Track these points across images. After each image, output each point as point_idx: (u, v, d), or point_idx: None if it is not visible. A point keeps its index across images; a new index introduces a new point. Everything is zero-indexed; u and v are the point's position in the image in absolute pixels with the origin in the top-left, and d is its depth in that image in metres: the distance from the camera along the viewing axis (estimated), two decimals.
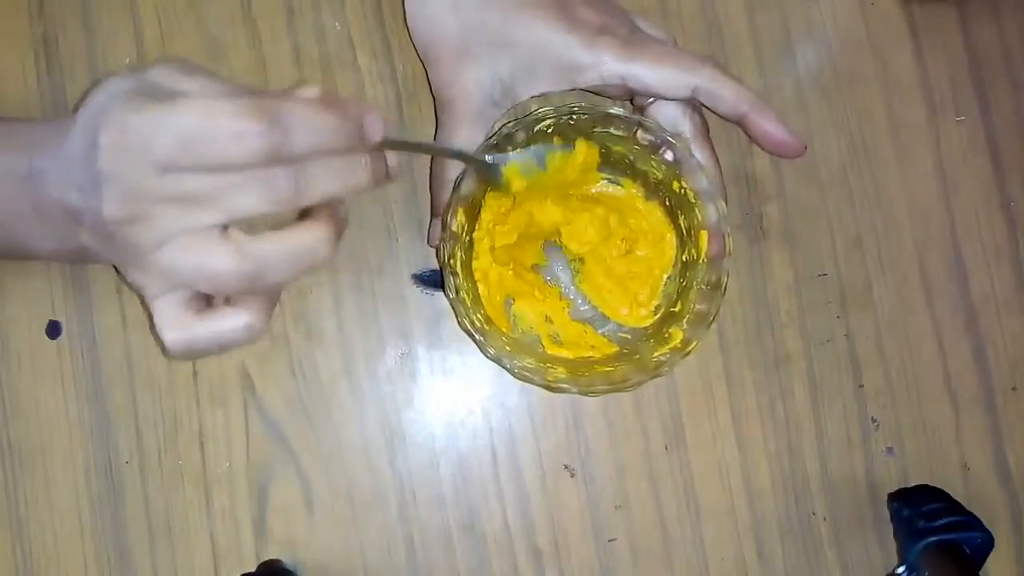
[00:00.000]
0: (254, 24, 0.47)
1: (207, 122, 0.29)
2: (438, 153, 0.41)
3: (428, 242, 0.45)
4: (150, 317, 0.33)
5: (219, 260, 0.31)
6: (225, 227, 0.31)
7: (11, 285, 0.45)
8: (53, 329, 0.45)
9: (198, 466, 0.45)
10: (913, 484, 0.47)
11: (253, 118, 0.29)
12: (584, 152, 0.43)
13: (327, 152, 0.31)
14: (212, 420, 0.45)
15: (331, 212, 0.33)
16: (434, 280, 0.46)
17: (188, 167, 0.30)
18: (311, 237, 0.32)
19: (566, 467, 0.47)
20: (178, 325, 0.32)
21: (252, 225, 0.31)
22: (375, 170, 0.33)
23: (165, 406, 0.45)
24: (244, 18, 0.47)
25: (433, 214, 0.44)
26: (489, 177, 0.40)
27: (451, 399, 0.46)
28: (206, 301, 0.33)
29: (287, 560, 0.45)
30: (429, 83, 0.43)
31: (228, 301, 0.33)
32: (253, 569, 0.45)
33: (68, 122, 0.33)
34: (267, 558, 0.45)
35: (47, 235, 0.35)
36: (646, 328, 0.45)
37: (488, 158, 0.40)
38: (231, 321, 0.33)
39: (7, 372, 0.45)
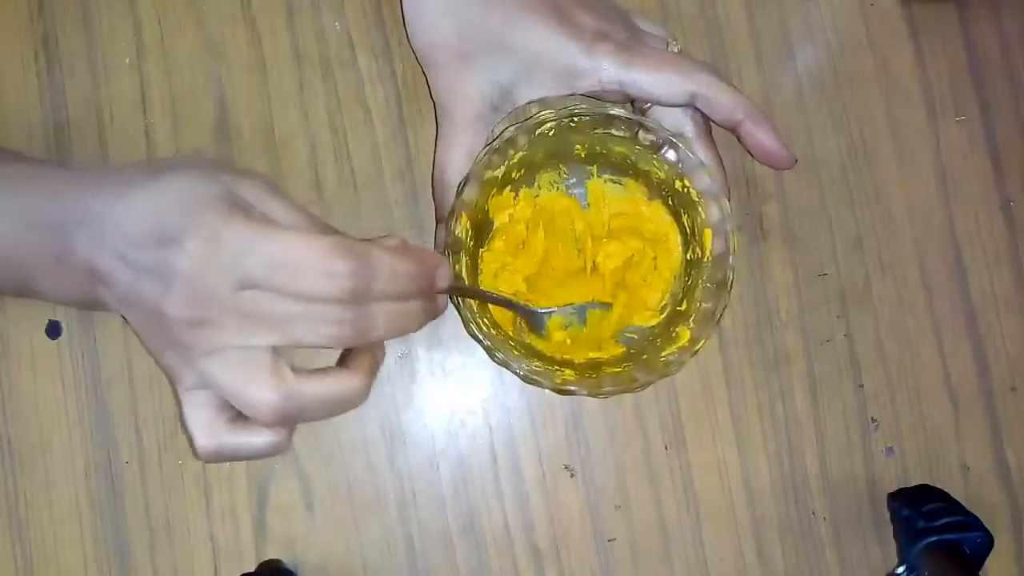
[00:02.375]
0: (254, 24, 0.47)
1: (302, 253, 0.31)
2: (494, 302, 0.43)
3: (435, 248, 0.45)
4: (179, 406, 0.34)
5: (263, 394, 0.32)
6: (276, 351, 0.32)
7: None
8: (53, 329, 0.45)
9: (198, 466, 0.45)
10: (913, 484, 0.47)
11: (344, 259, 0.31)
12: (620, 309, 0.45)
13: (399, 298, 0.33)
14: None
15: (371, 355, 0.35)
16: None
17: (270, 288, 0.31)
18: (352, 387, 0.34)
19: (566, 467, 0.47)
20: (209, 432, 0.33)
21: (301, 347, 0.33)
22: (430, 312, 0.35)
23: (165, 406, 0.45)
24: (244, 17, 0.47)
25: (437, 220, 0.44)
26: (533, 324, 0.44)
27: (451, 399, 0.46)
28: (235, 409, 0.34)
29: (287, 560, 0.45)
30: (428, 87, 0.43)
31: None
32: (253, 569, 0.45)
33: (110, 179, 0.34)
34: (267, 558, 0.45)
35: (64, 285, 0.35)
36: (653, 328, 0.45)
37: (539, 311, 0.44)
38: (260, 440, 0.34)
39: (7, 372, 0.45)
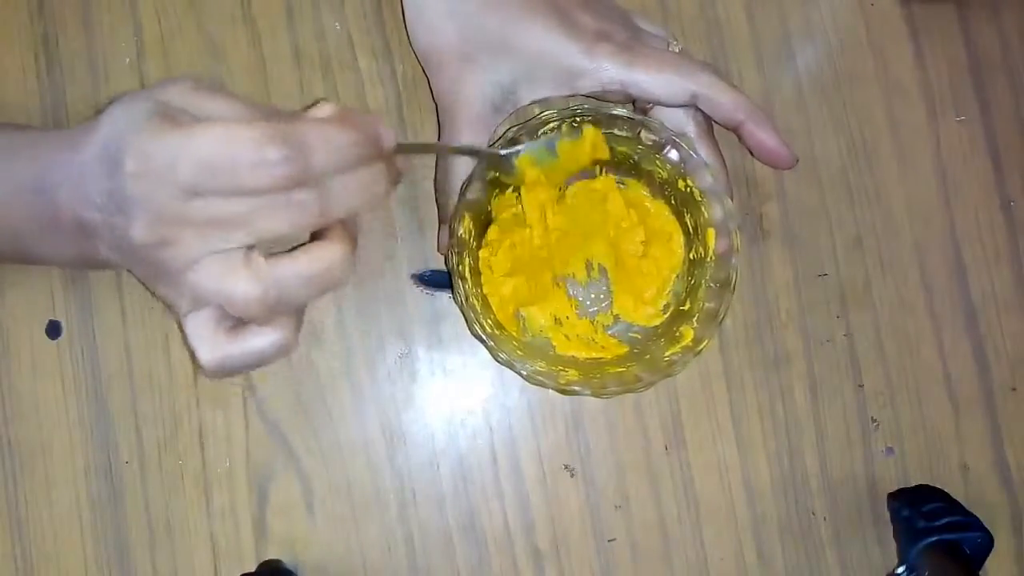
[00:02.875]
0: (254, 24, 0.46)
1: (228, 149, 0.30)
2: (450, 152, 0.41)
3: (438, 249, 0.45)
4: (182, 332, 0.33)
5: (242, 288, 0.31)
6: (250, 248, 0.32)
7: (11, 285, 0.45)
8: (53, 329, 0.45)
9: (198, 466, 0.45)
10: (913, 484, 0.47)
11: (274, 145, 0.30)
12: (592, 136, 0.43)
13: (347, 168, 0.32)
14: (212, 420, 0.45)
15: (344, 229, 0.34)
16: (434, 280, 0.46)
17: (213, 191, 0.30)
18: (328, 258, 0.33)
19: (566, 467, 0.47)
20: (212, 345, 0.33)
21: (275, 241, 0.32)
22: (391, 174, 0.34)
23: (165, 406, 0.45)
24: (244, 18, 0.47)
25: (440, 221, 0.44)
26: (503, 169, 0.41)
27: (451, 399, 0.46)
28: (237, 318, 0.34)
29: (287, 560, 0.45)
30: (430, 88, 0.43)
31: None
32: (253, 569, 0.45)
33: (78, 134, 0.34)
34: (267, 558, 0.45)
35: (62, 246, 0.35)
36: (656, 327, 0.45)
37: (501, 151, 0.41)
38: (262, 340, 0.33)
39: (7, 372, 0.45)
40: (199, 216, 0.31)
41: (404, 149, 0.35)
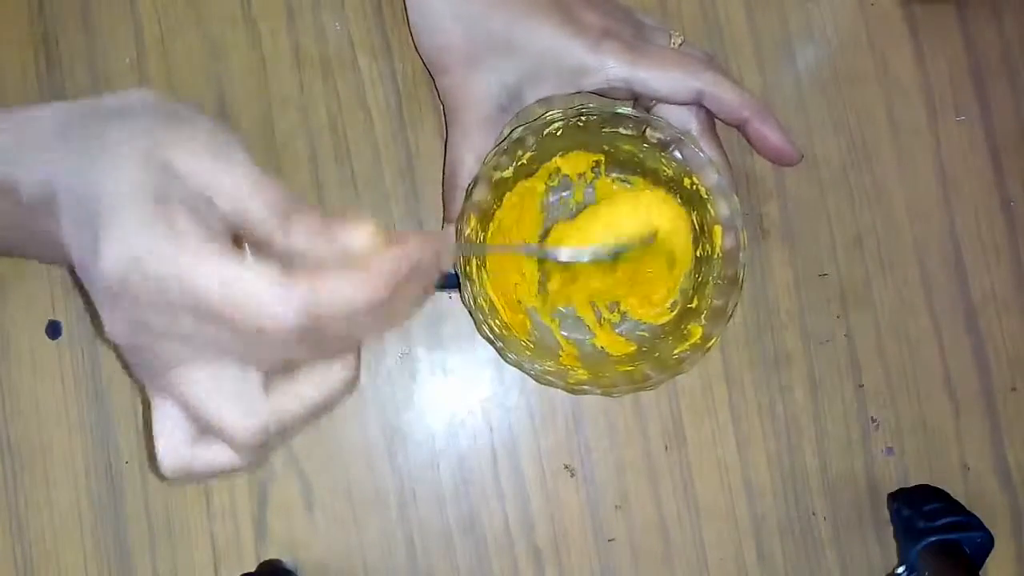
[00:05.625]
0: (254, 24, 0.46)
1: (235, 297, 0.25)
2: (506, 251, 0.40)
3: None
4: (150, 407, 0.29)
5: (235, 420, 0.27)
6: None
7: (11, 285, 0.45)
8: (53, 329, 0.45)
9: None
10: (913, 484, 0.47)
11: (292, 309, 0.25)
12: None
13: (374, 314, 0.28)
14: None
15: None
16: (439, 280, 0.46)
17: (207, 321, 0.26)
18: (330, 384, 0.29)
19: (566, 467, 0.47)
20: (178, 455, 0.29)
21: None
22: (416, 302, 0.31)
23: None
24: (244, 18, 0.47)
25: (446, 220, 0.44)
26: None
27: (451, 399, 0.46)
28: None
29: (287, 560, 0.45)
30: (436, 91, 0.43)
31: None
32: (253, 569, 0.45)
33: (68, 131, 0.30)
34: (267, 558, 0.45)
35: (51, 255, 0.33)
36: (664, 325, 0.45)
37: (562, 256, 0.40)
38: (227, 458, 0.29)
39: (7, 372, 0.45)
40: (188, 333, 0.26)
41: (466, 249, 0.34)
